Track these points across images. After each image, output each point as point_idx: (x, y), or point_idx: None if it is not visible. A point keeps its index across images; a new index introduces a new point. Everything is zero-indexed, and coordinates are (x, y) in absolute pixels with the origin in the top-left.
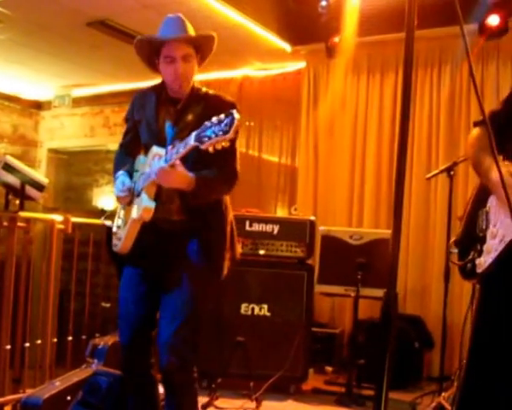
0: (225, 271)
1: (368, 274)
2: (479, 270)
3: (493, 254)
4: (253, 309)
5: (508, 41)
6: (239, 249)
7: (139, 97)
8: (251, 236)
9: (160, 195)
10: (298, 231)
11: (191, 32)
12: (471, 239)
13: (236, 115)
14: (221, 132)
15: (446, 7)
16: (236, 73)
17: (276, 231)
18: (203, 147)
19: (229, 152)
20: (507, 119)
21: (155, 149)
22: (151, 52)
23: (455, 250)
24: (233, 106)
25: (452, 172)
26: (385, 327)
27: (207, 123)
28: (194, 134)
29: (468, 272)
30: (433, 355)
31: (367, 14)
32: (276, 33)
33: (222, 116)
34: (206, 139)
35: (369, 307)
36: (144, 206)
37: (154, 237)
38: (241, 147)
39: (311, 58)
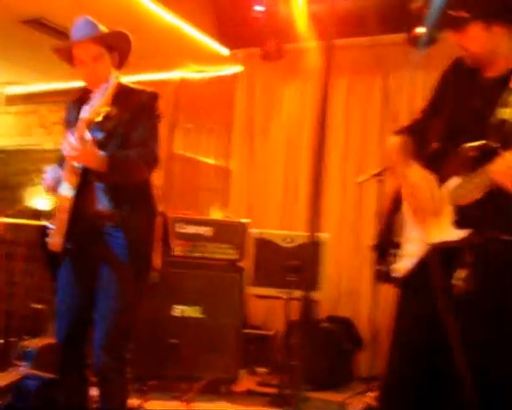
0: (156, 266)
1: (300, 276)
2: (396, 274)
3: (411, 259)
4: (185, 311)
5: (437, 51)
6: (175, 247)
7: (71, 99)
8: (184, 238)
9: (84, 188)
10: (231, 233)
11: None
12: (388, 244)
13: (113, 81)
14: (102, 98)
15: (378, 16)
16: (173, 76)
17: (209, 234)
18: (90, 116)
19: (150, 135)
20: (425, 127)
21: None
22: (70, 57)
23: None
24: (154, 96)
25: (382, 177)
26: (302, 329)
27: (94, 95)
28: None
29: (385, 277)
30: (364, 356)
31: (305, 20)
32: (214, 37)
33: (103, 85)
34: (91, 108)
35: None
36: (60, 194)
37: (82, 234)
38: (177, 149)
39: (248, 62)
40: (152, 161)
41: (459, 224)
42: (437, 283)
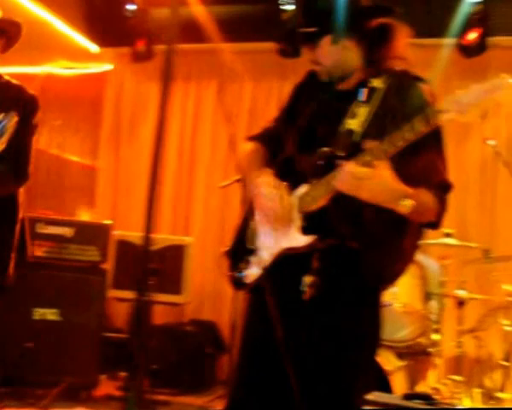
0: (11, 272)
1: (161, 280)
2: (248, 281)
3: (262, 266)
4: (44, 314)
5: (303, 62)
6: (35, 251)
7: None
8: (45, 238)
9: None
10: (93, 234)
11: None
12: (242, 251)
13: (11, 118)
14: None
15: (249, 23)
16: (40, 70)
17: (71, 234)
18: None
19: (24, 148)
20: (277, 134)
21: None
22: None
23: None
24: (33, 100)
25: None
26: (135, 332)
27: None
28: None
29: (238, 283)
30: (227, 360)
31: (176, 23)
32: (83, 33)
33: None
34: None
35: (164, 312)
36: None
37: None
38: (41, 145)
39: (118, 61)
40: (22, 178)
41: (305, 230)
42: (268, 295)
